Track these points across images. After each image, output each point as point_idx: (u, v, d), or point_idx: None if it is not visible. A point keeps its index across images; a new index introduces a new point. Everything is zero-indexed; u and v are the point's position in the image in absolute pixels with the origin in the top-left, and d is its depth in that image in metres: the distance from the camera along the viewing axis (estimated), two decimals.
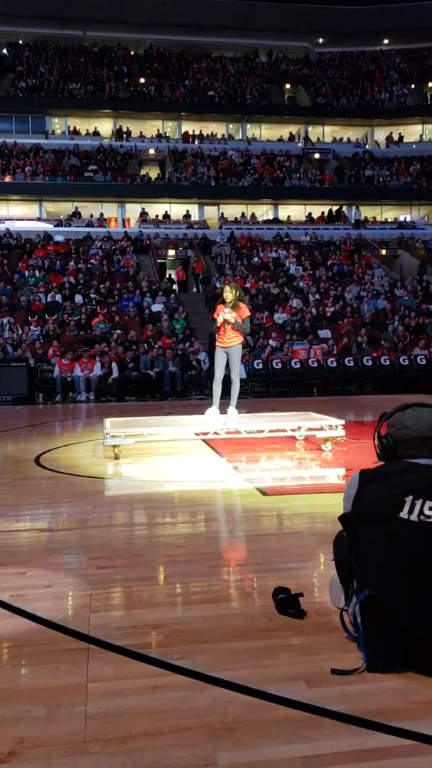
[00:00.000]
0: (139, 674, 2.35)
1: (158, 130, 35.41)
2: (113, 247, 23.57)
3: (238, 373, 7.71)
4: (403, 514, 2.35)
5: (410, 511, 2.34)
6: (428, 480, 2.37)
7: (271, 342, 17.17)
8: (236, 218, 30.34)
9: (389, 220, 32.56)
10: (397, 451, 2.51)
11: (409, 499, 2.35)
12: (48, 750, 1.92)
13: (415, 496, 2.35)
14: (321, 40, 40.89)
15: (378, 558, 2.37)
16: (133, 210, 30.65)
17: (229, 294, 7.47)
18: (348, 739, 1.94)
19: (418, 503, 2.34)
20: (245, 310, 7.56)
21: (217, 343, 7.69)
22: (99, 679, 2.31)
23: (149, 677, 2.33)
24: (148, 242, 24.99)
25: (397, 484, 2.39)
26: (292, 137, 36.17)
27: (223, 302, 7.53)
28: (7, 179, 29.12)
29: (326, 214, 30.81)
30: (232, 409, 7.59)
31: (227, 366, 7.61)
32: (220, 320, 7.45)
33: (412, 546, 2.33)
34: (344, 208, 31.31)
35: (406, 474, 2.41)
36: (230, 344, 7.55)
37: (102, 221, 28.17)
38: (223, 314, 7.39)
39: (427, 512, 2.33)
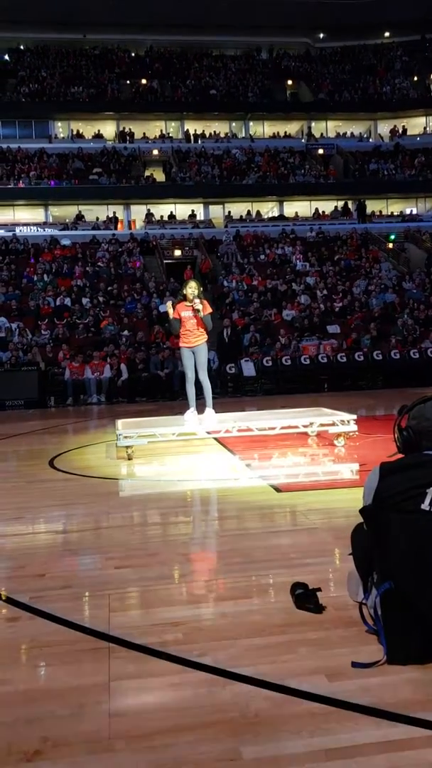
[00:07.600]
0: (161, 672, 2.37)
1: (161, 130, 35.46)
2: (120, 250, 23.64)
3: (206, 373, 7.49)
4: (425, 506, 2.35)
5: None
6: None
7: (280, 339, 17.15)
8: (242, 216, 30.31)
9: (395, 213, 32.44)
10: (419, 443, 2.50)
11: (430, 491, 2.35)
12: (73, 748, 1.93)
13: None
14: (321, 35, 40.79)
15: (399, 550, 2.37)
16: (138, 211, 30.70)
17: (190, 290, 7.31)
18: (371, 731, 1.95)
19: None
20: (207, 307, 7.39)
21: (182, 344, 7.48)
22: (121, 678, 2.33)
23: (171, 674, 2.34)
24: (154, 243, 25.02)
25: (418, 476, 2.40)
26: (295, 133, 36.08)
27: (184, 299, 7.37)
28: (12, 185, 29.25)
29: (340, 208, 30.55)
30: (209, 410, 7.48)
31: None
32: (191, 313, 7.28)
33: None
34: (351, 203, 31.20)
35: (427, 466, 2.41)
36: (196, 343, 7.39)
37: (109, 223, 28.25)
38: (195, 306, 7.21)
39: None
